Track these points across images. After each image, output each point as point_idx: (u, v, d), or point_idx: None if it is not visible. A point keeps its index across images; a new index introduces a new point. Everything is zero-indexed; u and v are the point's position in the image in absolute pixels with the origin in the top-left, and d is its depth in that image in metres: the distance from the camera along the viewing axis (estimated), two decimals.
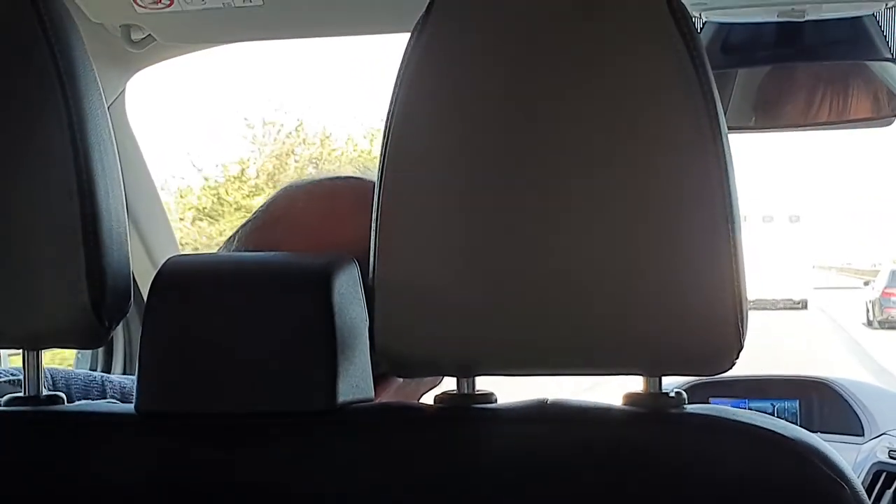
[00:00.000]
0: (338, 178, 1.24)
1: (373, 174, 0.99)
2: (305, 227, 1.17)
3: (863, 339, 18.33)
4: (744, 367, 0.88)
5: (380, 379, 1.03)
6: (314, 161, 17.61)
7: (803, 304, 26.70)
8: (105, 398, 1.31)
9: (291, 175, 16.19)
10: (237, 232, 1.21)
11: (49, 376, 1.29)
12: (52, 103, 0.88)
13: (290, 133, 17.94)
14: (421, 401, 1.15)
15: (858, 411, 2.84)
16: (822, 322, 22.44)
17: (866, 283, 25.35)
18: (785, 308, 25.34)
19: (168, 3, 1.64)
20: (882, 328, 20.10)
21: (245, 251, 1.16)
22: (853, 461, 2.61)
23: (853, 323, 21.56)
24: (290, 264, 0.95)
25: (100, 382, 1.35)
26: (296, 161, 17.67)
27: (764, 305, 24.96)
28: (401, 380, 1.13)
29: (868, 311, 21.64)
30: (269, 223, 1.20)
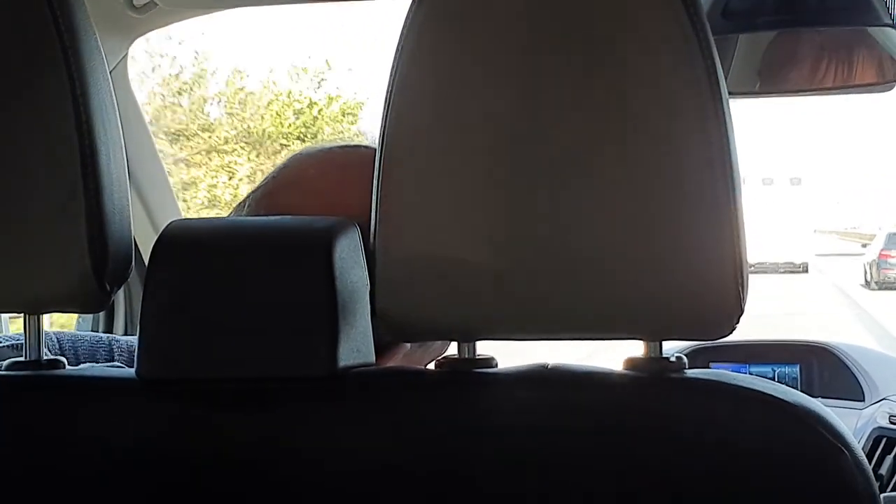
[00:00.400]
0: (349, 146, 1.25)
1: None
2: (317, 193, 1.17)
3: (861, 299, 19.25)
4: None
5: (388, 345, 1.03)
6: (219, 99, 14.53)
7: (804, 268, 26.90)
8: (113, 360, 1.31)
9: (176, 121, 13.91)
10: (248, 197, 1.21)
11: (55, 339, 1.30)
12: (55, 68, 0.88)
13: (183, 69, 14.10)
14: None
15: (859, 376, 2.84)
16: (821, 284, 23.19)
17: (864, 246, 26.32)
18: (785, 272, 25.47)
19: None
20: (880, 289, 21.04)
21: (256, 216, 1.16)
22: (854, 426, 2.61)
23: (852, 284, 22.45)
24: (291, 229, 0.95)
25: (107, 344, 1.35)
26: (191, 102, 14.35)
27: (764, 269, 25.00)
28: (408, 346, 1.13)
29: (866, 272, 22.55)
30: (280, 188, 1.20)
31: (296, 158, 1.25)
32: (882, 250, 21.77)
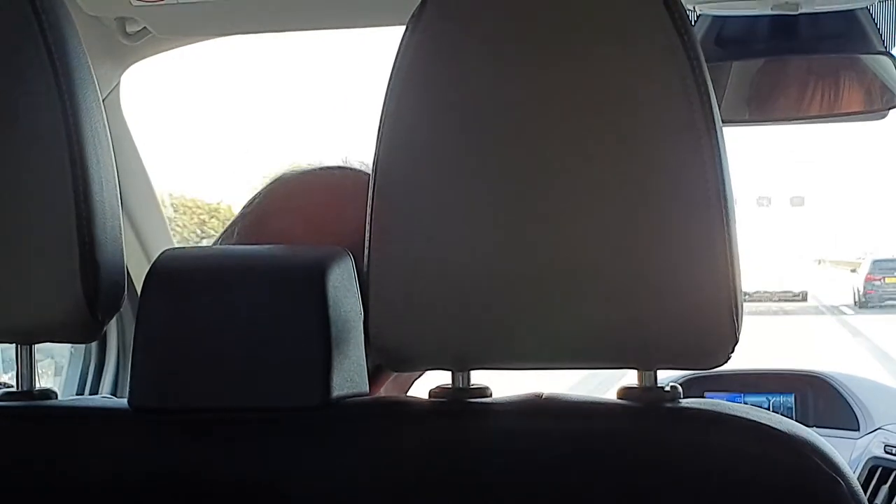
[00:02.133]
0: (333, 167, 1.24)
1: (367, 165, 1.00)
2: (306, 218, 1.17)
3: (850, 318, 22.43)
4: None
5: (375, 372, 1.02)
6: None
7: (802, 297, 27.41)
8: None
9: None
10: (235, 224, 1.20)
11: None
12: (48, 96, 0.88)
13: None
14: (414, 392, 1.15)
15: (854, 406, 2.84)
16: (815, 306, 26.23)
17: (853, 272, 29.97)
18: (782, 300, 25.80)
19: None
20: (867, 309, 24.31)
21: (245, 244, 1.16)
22: (849, 456, 2.61)
23: (844, 304, 26.08)
24: (284, 258, 0.95)
25: None
26: None
27: (759, 297, 25.02)
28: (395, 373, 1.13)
29: (854, 293, 26.14)
30: (269, 214, 1.19)
31: (281, 182, 1.24)
32: (867, 274, 25.42)
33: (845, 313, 23.80)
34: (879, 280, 25.14)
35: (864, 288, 25.35)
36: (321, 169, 1.25)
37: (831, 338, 17.45)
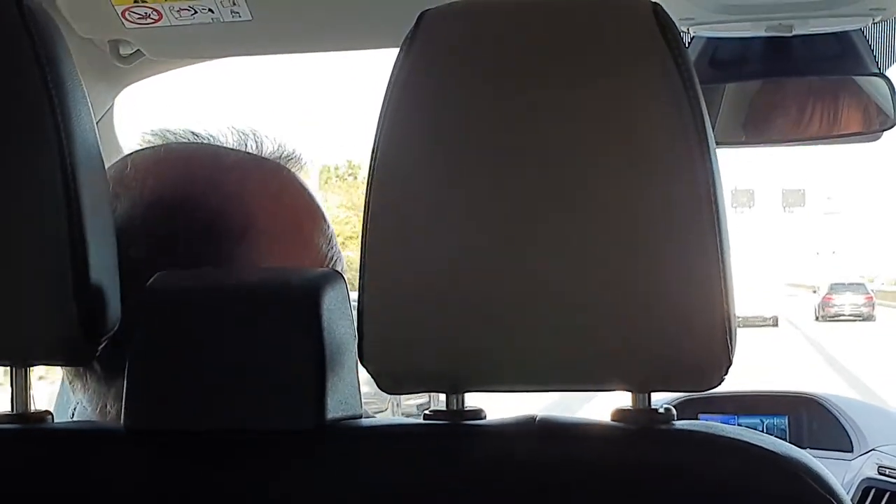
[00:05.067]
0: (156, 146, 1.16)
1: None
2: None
3: (810, 329, 29.43)
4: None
5: None
6: None
7: (773, 322, 30.66)
8: None
9: None
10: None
11: None
12: (41, 119, 0.88)
13: None
14: (409, 416, 1.15)
15: (847, 427, 2.84)
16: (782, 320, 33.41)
17: (814, 292, 38.56)
18: (750, 326, 28.46)
19: (156, 18, 1.64)
20: (824, 321, 33.11)
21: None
22: (842, 477, 2.61)
23: (805, 319, 34.34)
24: (278, 280, 0.95)
25: None
26: None
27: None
28: None
29: (816, 310, 35.27)
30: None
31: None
32: (825, 295, 34.67)
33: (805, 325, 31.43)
34: (834, 299, 34.37)
35: (824, 306, 34.40)
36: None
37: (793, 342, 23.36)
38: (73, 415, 1.17)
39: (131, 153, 1.14)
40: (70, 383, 1.11)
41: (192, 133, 1.16)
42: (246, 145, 1.15)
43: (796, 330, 28.61)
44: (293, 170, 1.15)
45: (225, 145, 1.15)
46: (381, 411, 8.81)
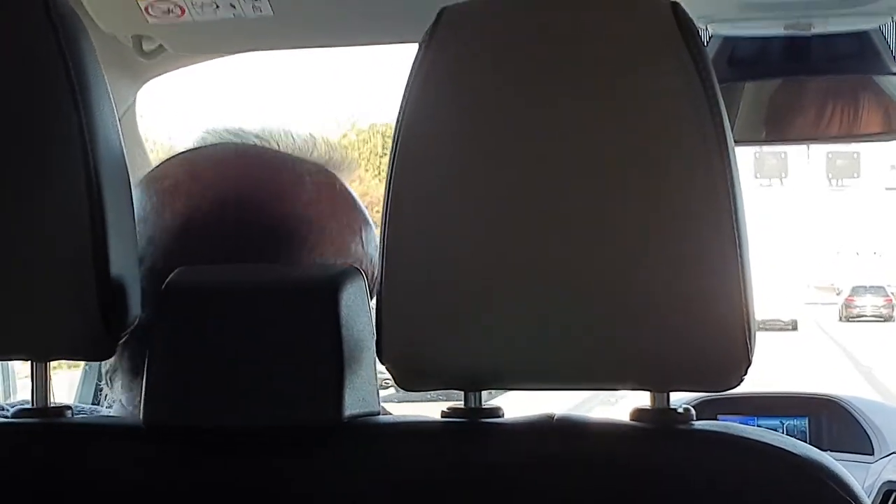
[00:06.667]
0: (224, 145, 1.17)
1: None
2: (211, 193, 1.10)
3: (833, 329, 30.62)
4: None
5: None
6: None
7: (793, 326, 30.74)
8: None
9: None
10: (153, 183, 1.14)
11: None
12: (64, 113, 0.88)
13: None
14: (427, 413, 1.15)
15: (868, 429, 2.83)
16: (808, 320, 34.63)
17: (837, 294, 40.49)
18: (768, 329, 27.73)
19: (179, 13, 1.64)
20: (848, 321, 34.47)
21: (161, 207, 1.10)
22: (863, 480, 2.60)
23: (830, 319, 35.43)
24: (298, 276, 0.95)
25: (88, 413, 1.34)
26: None
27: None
28: None
29: (839, 311, 36.74)
30: (178, 183, 1.12)
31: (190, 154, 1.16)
32: (847, 297, 36.28)
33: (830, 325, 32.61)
34: (855, 300, 36.12)
35: (846, 307, 36.09)
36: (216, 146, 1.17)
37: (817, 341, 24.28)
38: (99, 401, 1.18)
39: (187, 151, 1.16)
40: (108, 380, 1.11)
41: (255, 136, 1.17)
42: (298, 149, 1.16)
43: (821, 333, 28.95)
44: (342, 176, 1.16)
45: (281, 148, 1.16)
46: None
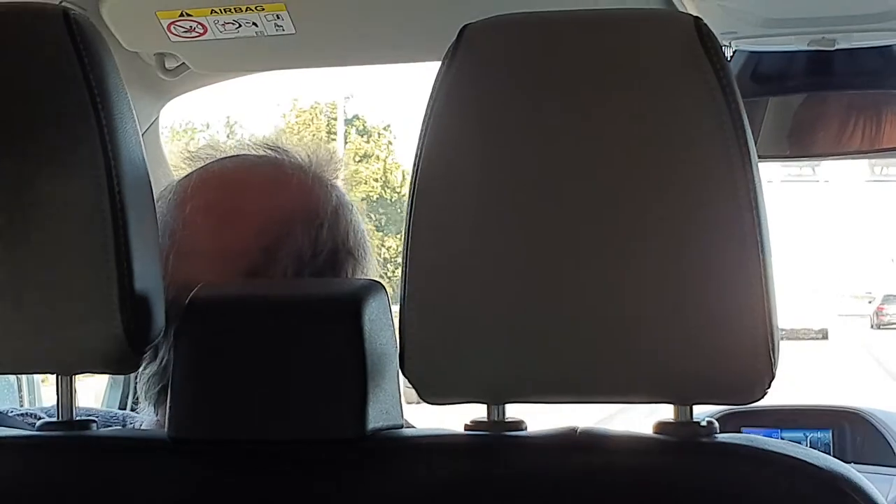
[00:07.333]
0: (230, 157, 1.21)
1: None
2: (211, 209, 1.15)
3: (865, 336, 30.66)
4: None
5: None
6: None
7: (823, 335, 29.96)
8: None
9: None
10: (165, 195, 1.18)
11: None
12: (88, 131, 0.89)
13: None
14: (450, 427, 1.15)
15: (892, 441, 2.81)
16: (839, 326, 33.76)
17: (870, 303, 40.14)
18: (800, 339, 27.38)
19: (201, 32, 1.65)
20: (879, 328, 34.20)
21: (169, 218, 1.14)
22: (887, 493, 2.58)
23: (862, 327, 35.10)
24: (321, 291, 0.95)
25: (121, 419, 1.35)
26: None
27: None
28: None
29: (871, 319, 36.44)
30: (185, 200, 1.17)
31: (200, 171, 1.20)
32: (879, 305, 36.00)
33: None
34: (885, 309, 36.07)
35: (878, 315, 36.02)
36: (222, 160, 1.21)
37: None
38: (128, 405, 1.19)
39: (210, 163, 1.19)
40: (145, 392, 1.13)
41: (269, 147, 1.19)
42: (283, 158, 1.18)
43: (853, 342, 29.08)
44: (332, 178, 1.19)
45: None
46: None
